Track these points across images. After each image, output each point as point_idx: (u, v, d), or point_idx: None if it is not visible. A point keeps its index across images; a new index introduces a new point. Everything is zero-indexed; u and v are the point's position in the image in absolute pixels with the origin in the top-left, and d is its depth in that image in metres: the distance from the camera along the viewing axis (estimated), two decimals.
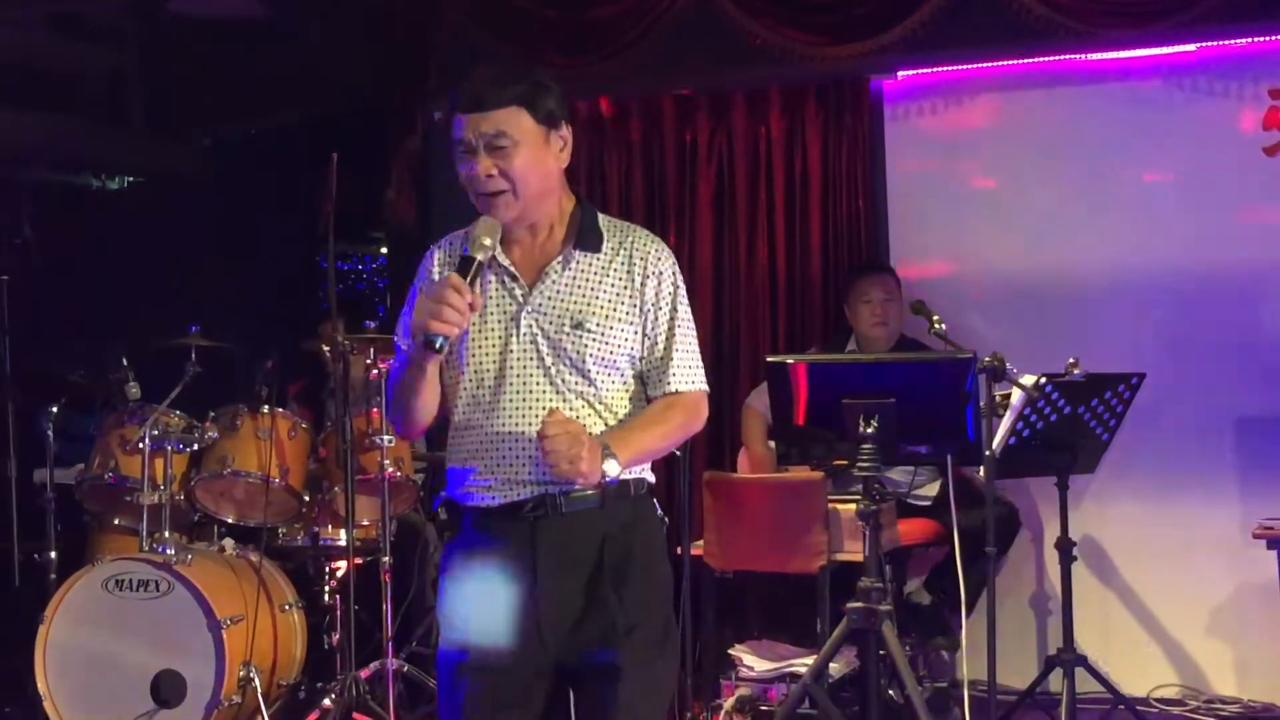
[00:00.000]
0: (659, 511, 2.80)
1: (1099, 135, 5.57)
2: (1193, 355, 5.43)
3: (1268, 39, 5.31)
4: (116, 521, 5.17)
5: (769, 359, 4.82)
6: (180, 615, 4.65)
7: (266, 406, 5.04)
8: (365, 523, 5.13)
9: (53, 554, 5.04)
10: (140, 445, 4.86)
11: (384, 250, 7.17)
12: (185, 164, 6.73)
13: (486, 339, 2.68)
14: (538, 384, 2.65)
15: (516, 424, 2.64)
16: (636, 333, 2.70)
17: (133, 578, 4.71)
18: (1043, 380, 4.52)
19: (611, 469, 2.57)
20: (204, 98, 6.52)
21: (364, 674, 4.78)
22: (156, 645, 4.65)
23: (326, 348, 4.91)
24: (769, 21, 5.65)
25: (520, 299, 2.68)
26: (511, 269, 2.69)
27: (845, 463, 4.54)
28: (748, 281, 5.98)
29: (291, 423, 5.14)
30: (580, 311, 2.66)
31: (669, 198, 6.09)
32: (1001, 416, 4.54)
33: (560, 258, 2.69)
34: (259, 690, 4.68)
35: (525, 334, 2.66)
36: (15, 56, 6.26)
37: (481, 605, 2.65)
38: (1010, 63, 5.65)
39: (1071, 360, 4.63)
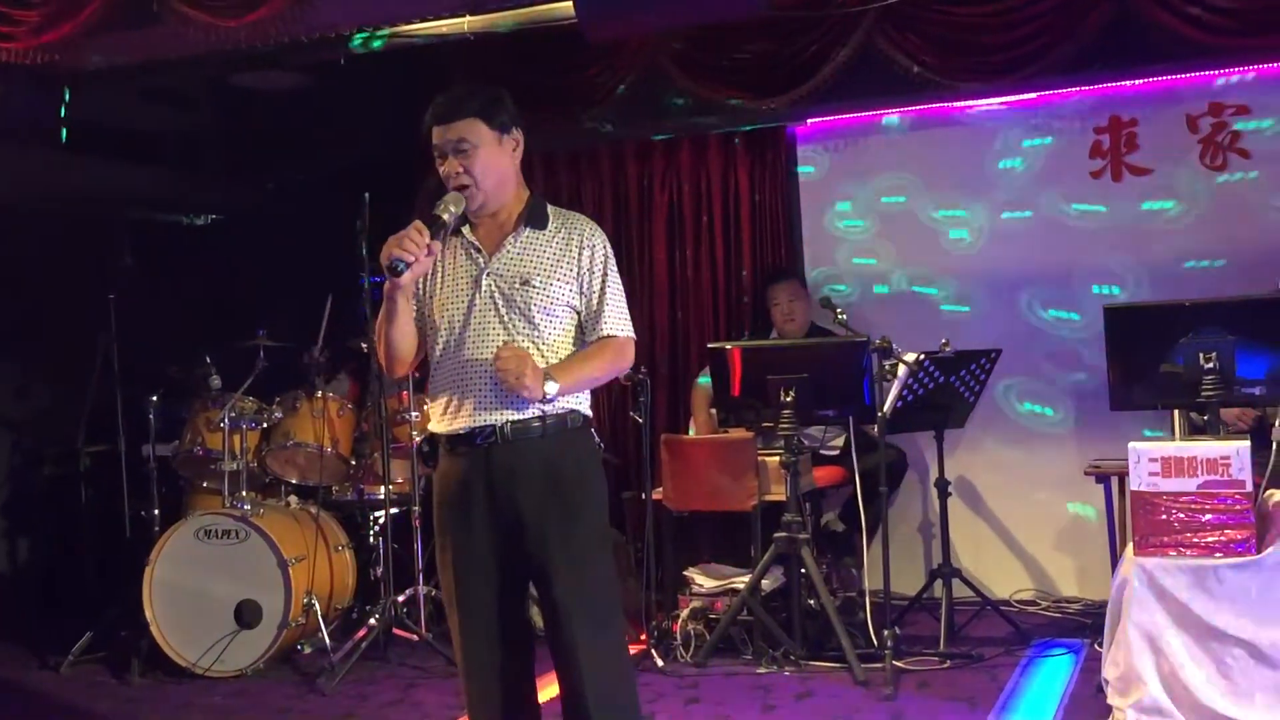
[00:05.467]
0: (595, 439, 2.81)
1: (965, 165, 5.58)
2: (1040, 334, 5.45)
3: (1091, 88, 5.33)
4: (205, 484, 5.16)
5: (710, 345, 4.87)
6: (256, 556, 4.67)
7: (320, 392, 5.04)
8: (399, 480, 5.13)
9: (156, 511, 5.03)
10: (222, 424, 4.87)
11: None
12: (253, 203, 6.70)
13: (456, 295, 2.70)
14: (494, 328, 2.66)
15: (477, 360, 2.66)
16: (573, 289, 2.71)
17: (218, 527, 4.72)
18: (922, 357, 4.55)
19: (551, 389, 2.61)
20: (266, 151, 6.49)
21: (400, 598, 4.79)
22: (238, 580, 4.67)
23: (364, 345, 4.90)
24: (707, 81, 5.65)
25: (481, 265, 2.70)
26: (476, 243, 2.73)
27: (771, 424, 4.58)
28: (695, 287, 5.96)
29: (340, 403, 5.13)
30: (528, 272, 2.68)
31: (631, 222, 6.06)
32: (891, 385, 4.58)
33: (514, 233, 2.71)
34: (319, 613, 4.70)
35: (485, 291, 2.68)
36: (116, 120, 6.21)
37: (455, 516, 2.68)
38: (894, 110, 5.65)
39: (944, 340, 4.65)
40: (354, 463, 5.15)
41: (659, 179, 6.03)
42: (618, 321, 2.75)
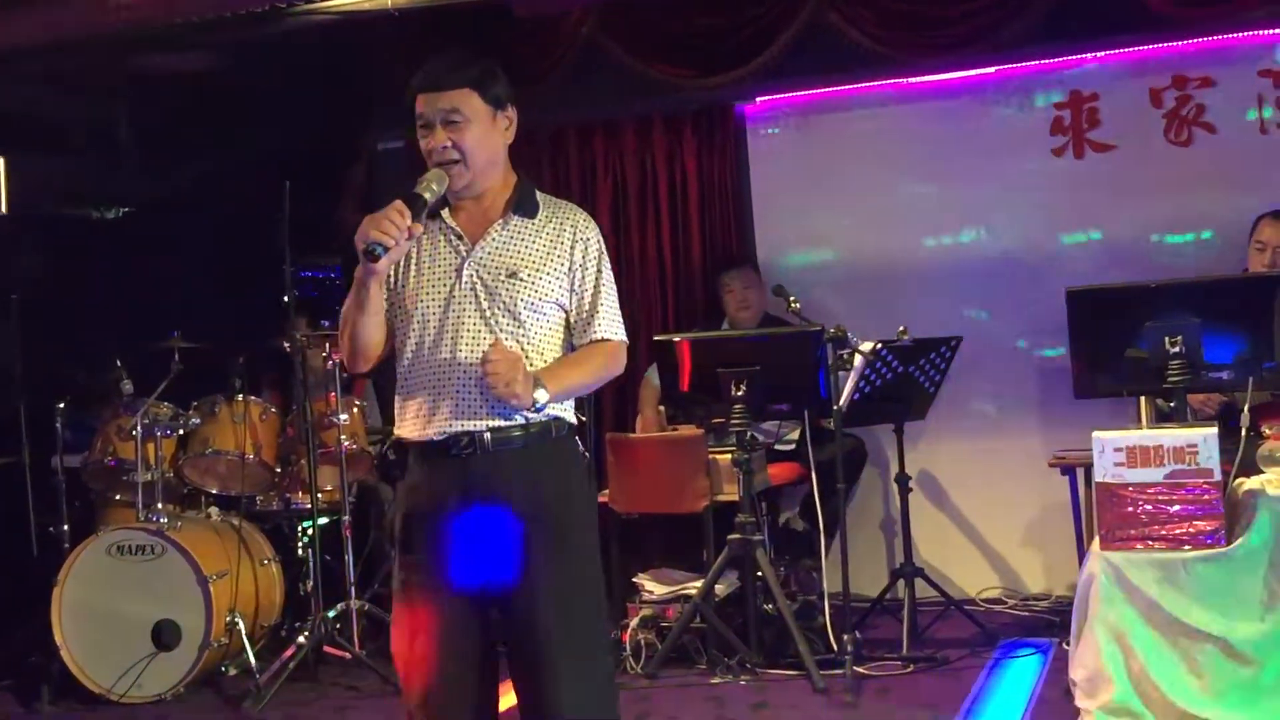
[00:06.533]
0: (580, 448, 2.65)
1: (921, 143, 5.57)
2: (1001, 320, 5.46)
3: (1052, 60, 5.34)
4: (117, 497, 5.04)
5: (656, 338, 4.83)
6: (173, 573, 4.57)
7: (240, 395, 4.94)
8: (329, 488, 5.02)
9: (65, 527, 4.91)
10: (134, 432, 4.76)
11: (339, 261, 7.02)
12: (169, 195, 6.55)
13: (433, 286, 2.56)
14: (475, 325, 2.53)
15: (456, 361, 2.52)
16: (562, 285, 2.58)
17: (132, 543, 4.61)
18: (879, 346, 4.52)
19: (541, 397, 2.47)
20: (181, 139, 6.35)
21: (331, 614, 4.69)
22: (154, 599, 4.57)
23: (286, 344, 4.80)
24: (650, 59, 5.60)
25: (464, 253, 2.56)
26: (457, 229, 2.58)
27: (722, 420, 4.54)
28: (641, 276, 5.91)
29: (262, 407, 5.04)
30: (515, 263, 2.55)
31: None
32: (847, 376, 4.54)
33: (501, 220, 2.58)
34: (244, 632, 4.60)
35: (466, 283, 2.54)
36: (22, 108, 6.05)
37: (425, 532, 2.54)
38: (846, 87, 5.63)
39: (901, 328, 4.64)
40: (279, 470, 5.04)
41: (602, 162, 5.96)
42: (611, 324, 2.63)
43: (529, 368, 2.52)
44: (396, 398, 2.62)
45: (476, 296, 2.55)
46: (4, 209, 2.06)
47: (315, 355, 5.07)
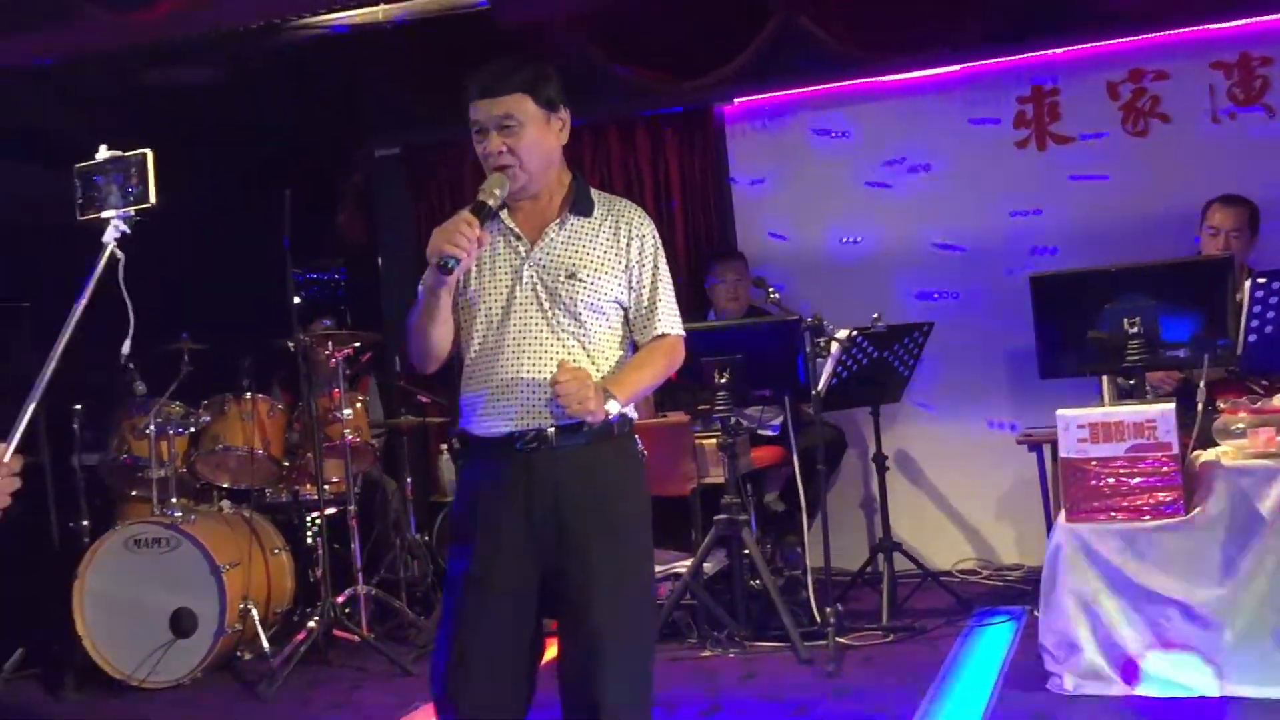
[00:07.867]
0: (639, 445, 2.57)
1: (893, 139, 5.58)
2: (972, 306, 5.48)
3: (1014, 58, 5.36)
4: (134, 493, 5.05)
5: None
6: (188, 563, 4.57)
7: (248, 394, 4.95)
8: (335, 480, 5.05)
9: (85, 522, 4.91)
10: (148, 431, 4.77)
11: (341, 263, 7.01)
12: (179, 203, 6.53)
13: (495, 288, 2.51)
14: (537, 325, 2.48)
15: (519, 359, 2.47)
16: (621, 284, 2.52)
17: (148, 536, 4.62)
18: (854, 333, 4.54)
19: (614, 408, 2.41)
20: (190, 149, 6.33)
21: (340, 599, 4.70)
22: (171, 589, 4.57)
23: (291, 344, 4.81)
24: (630, 63, 5.59)
25: (523, 254, 2.51)
26: (516, 229, 2.52)
27: (707, 407, 4.55)
28: None
29: (269, 404, 5.05)
30: (574, 264, 2.49)
31: None
32: (825, 363, 4.56)
33: (558, 220, 2.52)
34: (257, 618, 4.61)
35: (527, 283, 2.49)
36: (31, 123, 6.03)
37: (481, 524, 2.49)
38: (819, 87, 5.64)
39: (876, 315, 4.64)
40: (286, 464, 5.05)
41: (588, 165, 5.96)
42: (670, 318, 2.56)
43: (592, 368, 2.47)
44: (462, 392, 2.56)
45: (538, 297, 2.50)
46: (153, 200, 2.07)
47: (320, 353, 5.08)
